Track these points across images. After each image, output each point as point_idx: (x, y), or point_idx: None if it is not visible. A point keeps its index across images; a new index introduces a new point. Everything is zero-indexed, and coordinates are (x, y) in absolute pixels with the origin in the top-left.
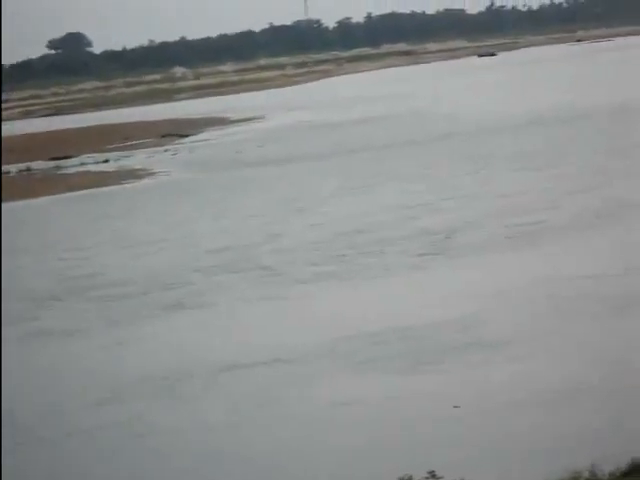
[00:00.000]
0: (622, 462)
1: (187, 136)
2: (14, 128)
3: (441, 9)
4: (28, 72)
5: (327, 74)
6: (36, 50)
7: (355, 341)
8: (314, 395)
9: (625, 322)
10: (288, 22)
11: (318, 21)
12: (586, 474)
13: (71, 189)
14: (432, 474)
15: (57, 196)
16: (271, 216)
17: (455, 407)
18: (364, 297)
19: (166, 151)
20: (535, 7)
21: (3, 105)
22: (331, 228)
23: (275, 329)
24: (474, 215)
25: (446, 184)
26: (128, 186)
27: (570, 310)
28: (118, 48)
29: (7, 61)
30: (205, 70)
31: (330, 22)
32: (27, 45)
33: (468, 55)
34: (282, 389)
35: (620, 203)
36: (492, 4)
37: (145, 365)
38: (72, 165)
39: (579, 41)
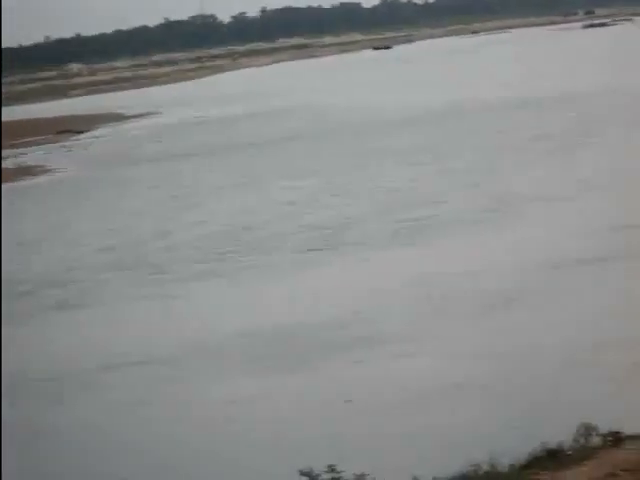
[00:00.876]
0: (520, 455)
1: (83, 132)
2: None
3: (337, 3)
4: None
5: (222, 69)
6: None
7: (239, 340)
8: (201, 394)
9: (510, 317)
10: (183, 17)
11: (213, 16)
12: (485, 467)
13: None
14: (332, 468)
15: None
16: (161, 213)
17: (347, 401)
18: (248, 295)
19: (62, 148)
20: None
21: None
22: (218, 225)
23: (157, 328)
24: (363, 210)
25: (336, 179)
26: (24, 183)
27: (457, 306)
28: (13, 45)
29: None
30: (100, 66)
31: (225, 17)
32: None
33: (363, 48)
34: (160, 388)
35: (508, 198)
36: None
37: (22, 366)
38: None
39: (475, 33)
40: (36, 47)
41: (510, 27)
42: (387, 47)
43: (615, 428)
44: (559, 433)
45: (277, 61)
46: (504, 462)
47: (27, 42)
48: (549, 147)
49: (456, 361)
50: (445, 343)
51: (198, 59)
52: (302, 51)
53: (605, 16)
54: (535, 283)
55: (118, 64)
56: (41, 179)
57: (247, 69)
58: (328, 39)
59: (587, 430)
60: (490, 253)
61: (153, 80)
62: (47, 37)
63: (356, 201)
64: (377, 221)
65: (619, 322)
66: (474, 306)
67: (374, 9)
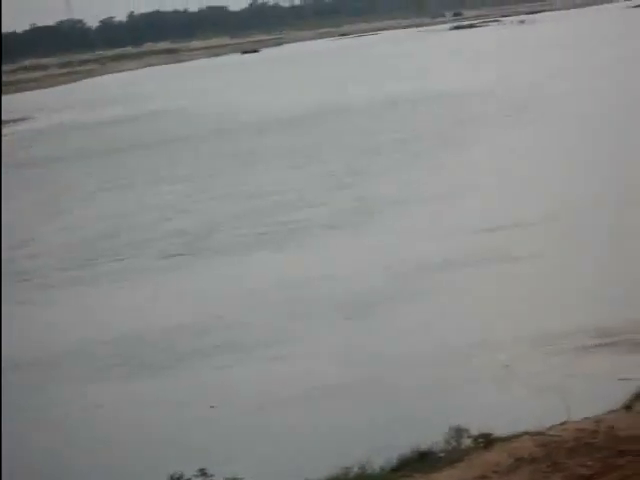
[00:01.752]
0: (392, 457)
1: None
2: None
3: (203, 6)
4: None
5: (91, 74)
6: None
7: (103, 347)
8: (61, 399)
9: (376, 320)
10: (50, 22)
11: (81, 21)
12: (356, 469)
13: None
14: (202, 472)
15: None
16: (29, 219)
17: (212, 407)
18: (109, 301)
19: None
20: (298, 2)
21: None
22: (83, 231)
23: (22, 334)
24: (232, 214)
25: (206, 183)
26: None
27: (321, 310)
28: None
29: None
30: None
31: (93, 22)
32: None
33: (232, 52)
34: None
35: (374, 201)
36: (255, 0)
37: None
38: None
39: (343, 35)
40: None
41: (379, 29)
42: (255, 51)
43: (486, 430)
44: (430, 435)
45: (146, 65)
46: (375, 465)
47: None
48: (415, 148)
49: (323, 365)
50: (311, 346)
51: (68, 64)
52: (171, 55)
53: (473, 17)
54: (400, 285)
55: None
56: None
57: (118, 74)
58: (196, 43)
59: (458, 432)
60: (355, 256)
61: (24, 85)
62: None
63: (225, 205)
64: (245, 225)
65: (488, 324)
66: (338, 309)
67: (241, 12)
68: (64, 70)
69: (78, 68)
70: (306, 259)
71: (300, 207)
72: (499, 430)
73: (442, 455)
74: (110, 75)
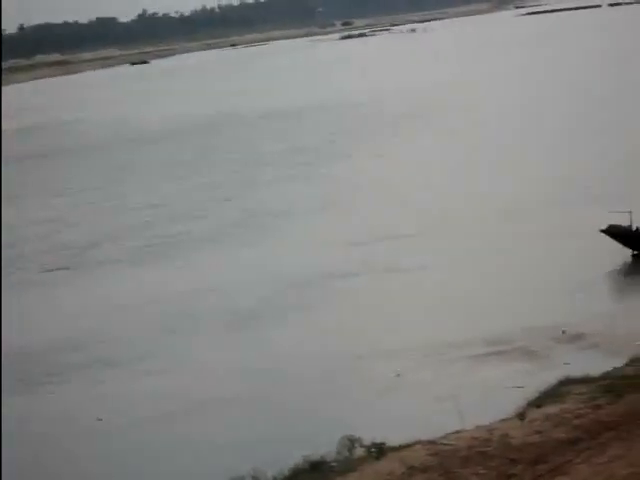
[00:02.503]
0: (284, 467)
1: None
2: None
3: (93, 18)
4: None
5: None
6: None
7: None
8: None
9: (262, 332)
10: None
11: None
12: (248, 479)
13: None
14: None
15: None
16: None
17: (98, 419)
18: None
19: None
20: (187, 13)
21: None
22: None
23: None
24: (117, 227)
25: (89, 196)
26: None
27: (203, 323)
28: None
29: None
30: None
31: None
32: None
33: (121, 63)
34: None
35: (258, 213)
36: (144, 12)
37: None
38: None
39: (234, 46)
40: None
41: (269, 39)
42: (144, 62)
43: (378, 440)
44: (322, 445)
45: (36, 78)
46: (268, 475)
47: None
48: (300, 159)
49: (208, 378)
50: (194, 360)
51: None
52: (61, 67)
53: (364, 27)
54: (287, 298)
55: None
56: None
57: (7, 86)
58: (87, 55)
59: (351, 442)
60: (240, 269)
61: None
62: None
63: (111, 217)
64: (129, 238)
65: (378, 335)
66: (222, 323)
67: (131, 24)
68: None
69: None
70: (190, 272)
71: (185, 219)
72: (392, 439)
73: (334, 465)
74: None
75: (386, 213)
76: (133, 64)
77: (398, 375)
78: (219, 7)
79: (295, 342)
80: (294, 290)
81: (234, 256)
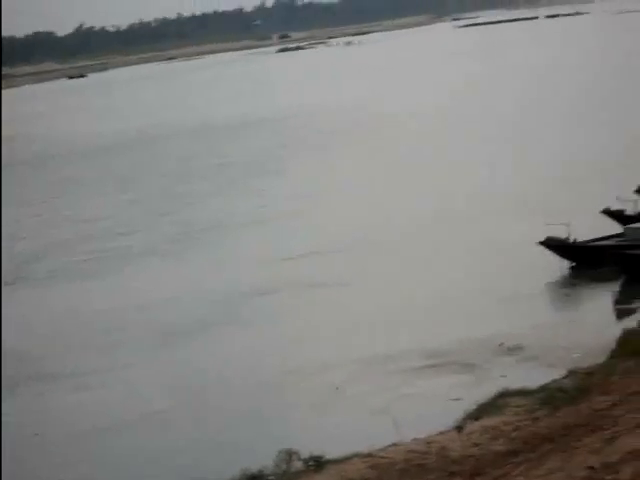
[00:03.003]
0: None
1: None
2: None
3: (30, 32)
4: None
5: None
6: None
7: None
8: None
9: (198, 347)
10: None
11: None
12: None
13: None
14: None
15: None
16: None
17: (35, 435)
18: None
19: None
20: (124, 27)
21: None
22: None
23: None
24: (54, 242)
25: (20, 210)
26: None
27: (139, 338)
28: None
29: None
30: None
31: None
32: None
33: (60, 77)
34: None
35: (192, 227)
36: (81, 26)
37: None
38: None
39: (170, 59)
40: None
41: (205, 52)
42: (82, 75)
43: (317, 453)
44: (260, 459)
45: None
46: None
47: None
48: (234, 174)
49: (135, 393)
50: (131, 375)
51: None
52: None
53: (301, 39)
54: (222, 312)
55: None
56: None
57: None
58: (26, 68)
59: (288, 455)
60: (175, 283)
61: None
62: None
63: (50, 231)
64: (64, 253)
65: (316, 348)
66: (158, 337)
67: (68, 38)
68: None
69: None
70: (124, 287)
71: (121, 233)
72: (330, 452)
73: (272, 478)
74: None
75: (317, 228)
76: (71, 78)
77: (337, 388)
78: (155, 21)
79: (225, 358)
80: (230, 304)
81: (171, 270)
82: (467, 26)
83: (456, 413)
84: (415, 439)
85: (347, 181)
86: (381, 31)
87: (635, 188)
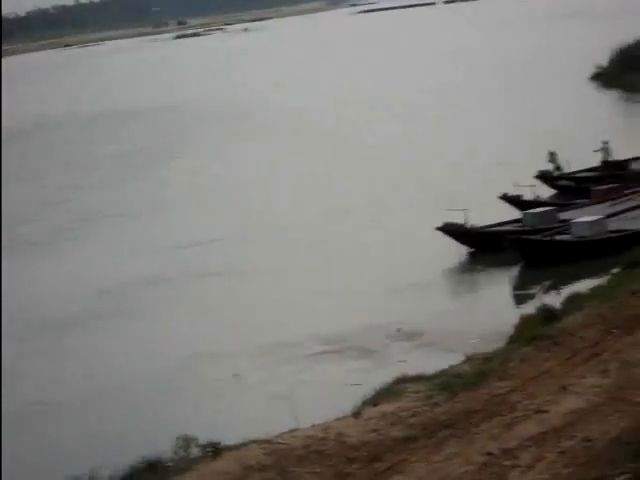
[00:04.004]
0: (121, 467)
1: None
2: None
3: None
4: None
5: None
6: None
7: None
8: None
9: (93, 337)
10: None
11: None
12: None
13: None
14: None
15: None
16: None
17: None
18: None
19: None
20: (22, 14)
21: None
22: None
23: None
24: None
25: None
26: None
27: (30, 329)
28: None
29: None
30: None
31: None
32: None
33: None
34: None
35: (89, 216)
36: None
37: None
38: None
39: (68, 46)
40: None
41: (103, 39)
42: None
43: (215, 439)
44: (159, 445)
45: None
46: (104, 475)
47: None
48: (130, 162)
49: (29, 384)
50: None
51: None
52: None
53: (198, 26)
54: (118, 302)
55: None
56: None
57: None
58: None
59: (186, 442)
60: (67, 273)
61: None
62: None
63: None
64: None
65: (214, 335)
66: (50, 328)
67: None
68: None
69: None
70: (13, 277)
71: (10, 224)
72: (228, 439)
73: (171, 464)
74: None
75: (211, 215)
76: None
77: (236, 375)
78: (54, 8)
79: (131, 344)
80: (126, 293)
81: (64, 260)
82: (364, 12)
83: (355, 398)
84: (313, 425)
85: (245, 169)
86: (278, 17)
87: (535, 173)
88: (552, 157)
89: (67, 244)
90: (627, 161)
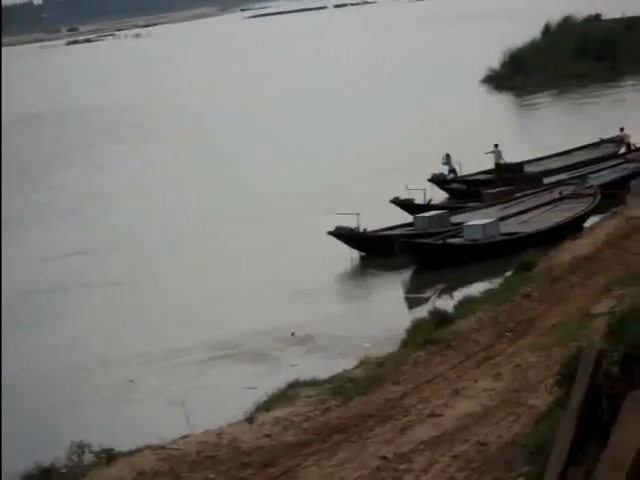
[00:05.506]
0: (15, 474)
1: None
2: None
3: None
4: None
5: None
6: None
7: None
8: None
9: None
10: None
11: None
12: None
13: None
14: None
15: None
16: None
17: None
18: None
19: None
20: None
21: None
22: None
23: None
24: None
25: None
26: None
27: None
28: None
29: None
30: None
31: None
32: None
33: None
34: None
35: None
36: None
37: None
38: None
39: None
40: None
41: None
42: None
43: (108, 445)
44: (53, 452)
45: None
46: None
47: None
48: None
49: None
50: None
51: None
52: None
53: (90, 32)
54: (10, 310)
55: None
56: None
57: None
58: None
59: (80, 448)
60: None
61: None
62: None
63: None
64: None
65: (108, 343)
66: None
67: None
68: None
69: None
70: None
71: None
72: (122, 445)
73: (64, 471)
74: None
75: (97, 226)
76: None
77: (130, 381)
78: None
79: (24, 351)
80: (19, 301)
81: None
82: (256, 17)
83: (249, 403)
84: (207, 431)
85: (139, 178)
86: (170, 23)
87: (428, 177)
88: (447, 160)
89: None
90: (520, 164)
